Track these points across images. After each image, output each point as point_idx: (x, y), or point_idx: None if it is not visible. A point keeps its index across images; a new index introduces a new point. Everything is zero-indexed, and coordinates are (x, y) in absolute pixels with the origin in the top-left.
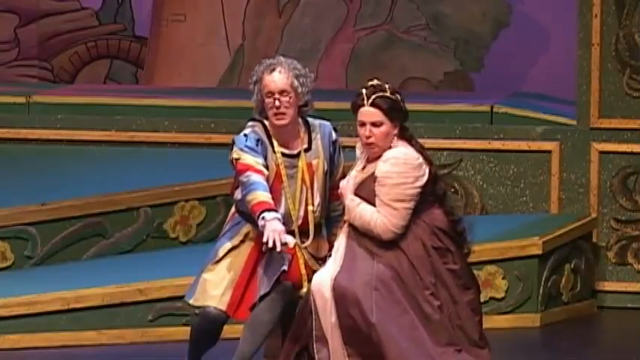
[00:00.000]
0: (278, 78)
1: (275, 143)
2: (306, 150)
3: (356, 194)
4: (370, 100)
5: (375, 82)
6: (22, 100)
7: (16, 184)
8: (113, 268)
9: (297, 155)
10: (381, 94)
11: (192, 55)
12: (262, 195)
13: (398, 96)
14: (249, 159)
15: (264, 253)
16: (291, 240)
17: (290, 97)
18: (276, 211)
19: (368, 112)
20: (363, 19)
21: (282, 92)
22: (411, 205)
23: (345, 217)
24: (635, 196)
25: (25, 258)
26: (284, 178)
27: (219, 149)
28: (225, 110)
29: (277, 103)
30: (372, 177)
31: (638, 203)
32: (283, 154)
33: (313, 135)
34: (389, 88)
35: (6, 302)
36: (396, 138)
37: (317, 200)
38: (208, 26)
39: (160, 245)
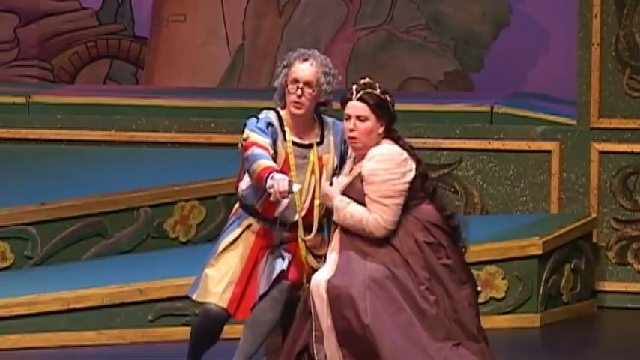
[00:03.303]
0: (307, 68)
1: (287, 132)
2: (318, 144)
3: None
4: (358, 95)
5: (367, 79)
6: (22, 100)
7: (16, 184)
8: (113, 268)
9: (309, 147)
10: (370, 90)
11: (192, 55)
12: (267, 162)
13: (387, 96)
14: (256, 138)
15: (265, 249)
16: (296, 187)
17: (313, 90)
18: (285, 174)
19: (354, 106)
20: (363, 19)
21: (307, 83)
22: (400, 200)
23: (334, 218)
24: (635, 196)
25: (25, 258)
26: (292, 168)
27: (219, 149)
28: (225, 110)
29: (299, 91)
30: (359, 177)
31: (638, 203)
32: (294, 143)
33: (326, 131)
34: (379, 87)
35: (6, 302)
36: (381, 138)
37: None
38: (208, 26)
39: (160, 245)
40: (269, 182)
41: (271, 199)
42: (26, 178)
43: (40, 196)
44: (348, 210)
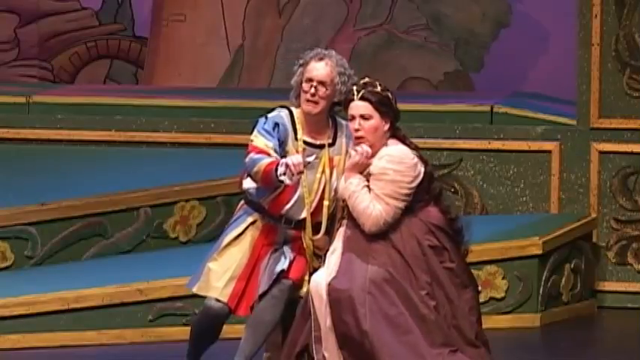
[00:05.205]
0: (322, 68)
1: (299, 131)
2: (330, 145)
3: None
4: (360, 94)
5: (367, 79)
6: (22, 100)
7: (16, 184)
8: (113, 268)
9: (320, 147)
10: (371, 88)
11: (192, 55)
12: (269, 159)
13: (389, 94)
14: (259, 141)
15: (268, 246)
16: (310, 157)
17: (327, 89)
18: None
19: (357, 106)
20: (363, 19)
21: (321, 82)
22: (401, 205)
23: (341, 192)
24: (635, 196)
25: (25, 258)
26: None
27: (219, 149)
28: (225, 110)
29: (313, 90)
30: (367, 176)
31: (638, 203)
32: (306, 142)
33: (339, 133)
34: (380, 85)
35: (6, 302)
36: (388, 136)
37: (333, 195)
38: (208, 26)
39: (160, 245)
40: (280, 169)
41: (288, 182)
42: (26, 178)
43: (40, 196)
44: (361, 192)
